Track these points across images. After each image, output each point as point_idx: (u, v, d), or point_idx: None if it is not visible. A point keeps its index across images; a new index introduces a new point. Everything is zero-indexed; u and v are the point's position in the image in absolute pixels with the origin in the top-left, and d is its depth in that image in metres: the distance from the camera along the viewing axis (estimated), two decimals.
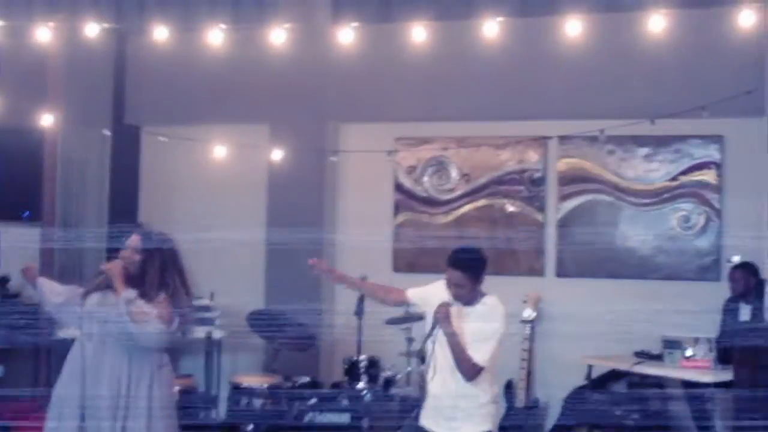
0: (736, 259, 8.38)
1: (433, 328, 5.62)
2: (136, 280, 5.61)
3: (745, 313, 8.09)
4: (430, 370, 5.67)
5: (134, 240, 5.71)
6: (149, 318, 5.49)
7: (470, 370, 5.55)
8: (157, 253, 5.70)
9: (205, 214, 10.08)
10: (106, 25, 8.60)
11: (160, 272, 5.66)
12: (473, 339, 5.56)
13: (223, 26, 8.33)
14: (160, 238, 5.81)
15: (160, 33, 8.44)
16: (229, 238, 9.32)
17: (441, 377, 5.65)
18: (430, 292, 5.83)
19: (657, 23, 7.38)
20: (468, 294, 5.65)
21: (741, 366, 7.29)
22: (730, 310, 8.28)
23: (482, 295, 5.73)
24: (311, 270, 6.11)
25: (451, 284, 5.64)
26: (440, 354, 5.61)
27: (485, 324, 5.59)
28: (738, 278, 8.18)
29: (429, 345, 5.66)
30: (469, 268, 5.65)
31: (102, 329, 5.59)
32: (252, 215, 10.00)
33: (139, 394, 5.63)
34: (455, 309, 5.61)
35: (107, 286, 5.65)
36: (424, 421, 5.78)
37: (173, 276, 5.72)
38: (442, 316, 5.56)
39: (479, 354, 5.55)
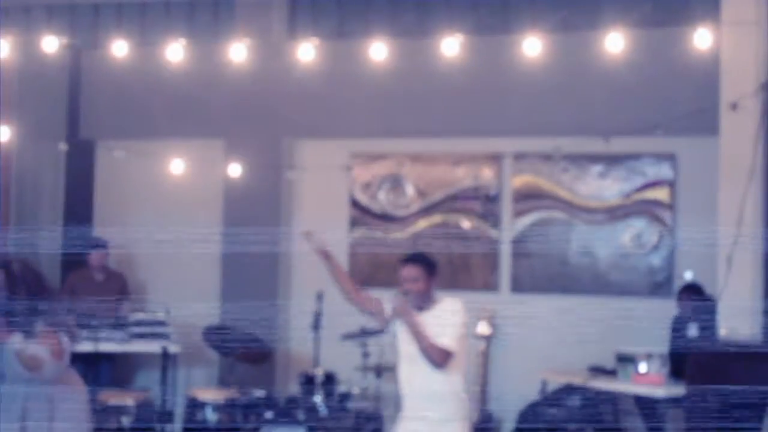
0: (688, 275, 8.50)
1: (393, 323, 5.74)
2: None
3: (692, 330, 8.20)
4: (402, 369, 5.77)
5: None
6: (44, 362, 5.15)
7: (438, 355, 5.59)
8: (20, 282, 5.26)
9: (161, 229, 10.06)
10: (61, 40, 8.57)
11: (30, 300, 5.25)
12: (436, 332, 5.62)
13: (180, 41, 8.34)
14: (12, 262, 5.36)
15: (117, 48, 8.43)
16: (185, 250, 9.35)
17: (410, 374, 5.72)
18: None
19: (613, 43, 7.50)
20: (423, 289, 5.73)
21: (693, 381, 7.38)
22: (677, 327, 8.39)
23: (437, 300, 5.82)
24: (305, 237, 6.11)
25: (407, 280, 5.73)
26: (405, 350, 5.70)
27: (444, 317, 5.67)
28: (686, 301, 8.28)
29: (397, 344, 5.75)
30: (423, 262, 5.81)
31: None
32: (207, 230, 9.97)
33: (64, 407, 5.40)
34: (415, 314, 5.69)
35: None
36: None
37: (43, 296, 5.31)
38: (400, 306, 5.66)
39: (445, 339, 5.61)
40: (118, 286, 9.64)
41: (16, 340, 5.11)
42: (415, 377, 5.71)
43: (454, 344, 5.63)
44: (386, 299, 5.91)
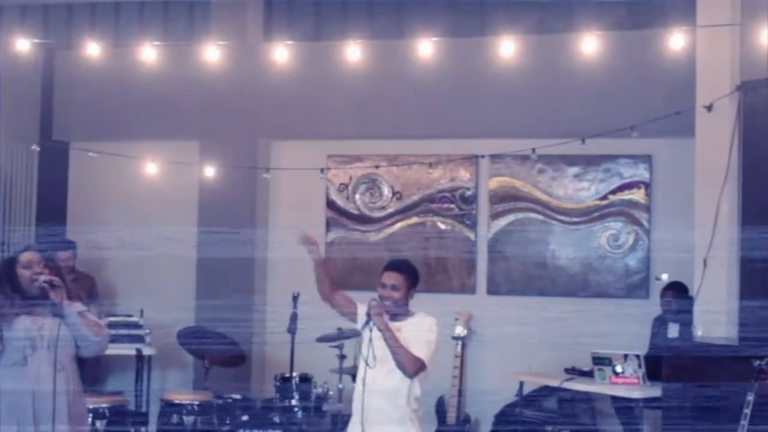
0: (665, 276, 8.53)
1: (366, 324, 5.65)
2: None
3: (673, 330, 8.23)
4: (361, 372, 5.69)
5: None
6: (103, 329, 5.70)
7: (412, 363, 5.53)
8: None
9: (135, 231, 10.01)
10: (34, 40, 8.50)
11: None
12: (410, 342, 5.57)
13: (154, 43, 8.29)
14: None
15: (91, 49, 8.37)
16: (160, 254, 9.30)
17: (372, 376, 5.63)
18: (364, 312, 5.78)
19: (589, 45, 7.50)
20: (402, 298, 5.68)
21: (669, 382, 7.40)
22: (658, 327, 8.42)
23: (412, 313, 5.77)
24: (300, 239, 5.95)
25: (387, 287, 5.68)
26: (371, 353, 5.63)
27: (420, 330, 5.62)
28: (669, 299, 8.31)
29: (364, 349, 5.67)
30: (405, 271, 5.75)
31: (51, 348, 5.54)
32: (183, 232, 9.93)
33: (82, 401, 5.82)
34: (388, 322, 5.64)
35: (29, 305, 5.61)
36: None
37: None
38: (376, 312, 5.59)
39: (420, 352, 5.57)
40: (85, 288, 9.55)
41: (80, 306, 5.64)
42: (375, 379, 5.61)
43: (428, 355, 5.59)
44: (359, 300, 5.85)
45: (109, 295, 10.10)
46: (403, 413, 5.64)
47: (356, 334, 8.40)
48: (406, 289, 5.70)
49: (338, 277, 9.49)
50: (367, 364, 5.63)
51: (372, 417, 5.64)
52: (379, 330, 5.58)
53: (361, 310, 5.78)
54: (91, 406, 8.30)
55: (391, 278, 5.70)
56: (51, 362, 5.48)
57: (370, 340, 5.64)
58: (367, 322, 5.66)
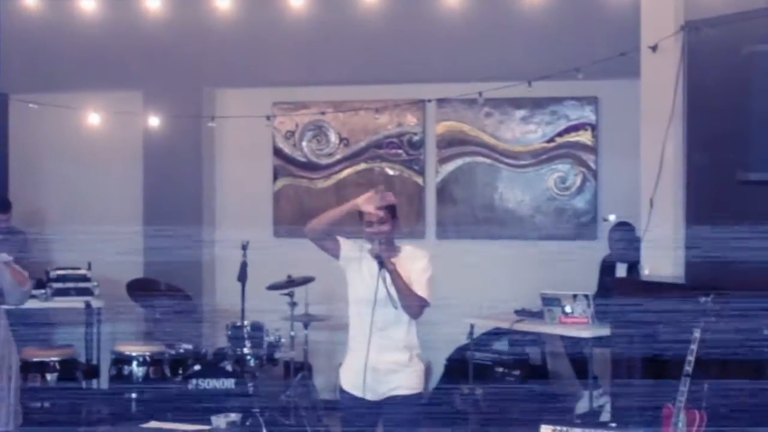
0: (612, 217, 8.57)
1: (380, 270, 5.36)
2: None
3: (621, 270, 8.30)
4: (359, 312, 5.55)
5: None
6: (27, 279, 5.79)
7: (418, 305, 5.44)
8: None
9: (79, 183, 9.93)
10: None
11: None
12: (410, 281, 5.42)
13: None
14: None
15: None
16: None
17: (371, 318, 5.42)
18: (348, 248, 5.57)
19: None
20: (392, 231, 5.51)
21: (618, 322, 7.46)
22: (606, 267, 8.49)
23: (399, 247, 5.60)
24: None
25: (373, 224, 5.44)
26: (366, 294, 5.45)
27: (414, 266, 5.50)
28: (617, 239, 8.37)
29: (371, 292, 5.41)
30: (389, 205, 5.53)
31: None
32: (128, 183, 9.86)
33: (12, 350, 5.87)
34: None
35: None
36: (348, 383, 5.59)
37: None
38: (385, 254, 5.37)
39: (422, 291, 5.46)
40: (17, 244, 9.40)
41: (5, 256, 5.67)
42: (377, 322, 5.42)
43: (429, 294, 5.49)
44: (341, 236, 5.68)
45: (56, 249, 9.98)
46: (403, 355, 5.52)
47: (308, 280, 8.45)
48: (391, 221, 5.51)
49: (287, 226, 9.60)
50: (394, 307, 5.39)
51: (384, 365, 5.46)
52: (389, 273, 5.36)
53: (347, 248, 5.55)
54: (40, 360, 8.31)
55: (375, 214, 5.45)
56: None
57: (383, 283, 5.37)
58: (380, 268, 5.38)
